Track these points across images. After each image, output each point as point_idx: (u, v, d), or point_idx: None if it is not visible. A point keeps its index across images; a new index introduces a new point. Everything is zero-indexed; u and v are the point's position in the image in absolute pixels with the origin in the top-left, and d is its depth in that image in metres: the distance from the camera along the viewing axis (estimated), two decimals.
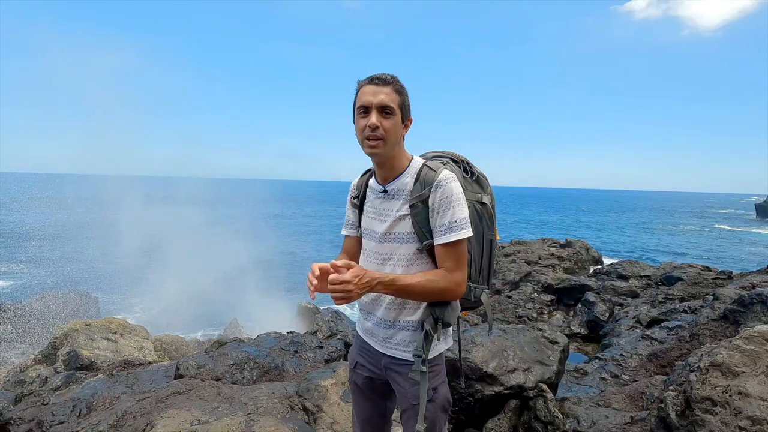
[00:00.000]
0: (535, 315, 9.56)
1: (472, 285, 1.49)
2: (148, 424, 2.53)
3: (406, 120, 1.37)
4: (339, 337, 6.61)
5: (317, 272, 1.26)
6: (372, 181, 1.49)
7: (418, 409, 1.38)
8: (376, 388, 1.58)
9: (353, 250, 1.59)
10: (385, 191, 1.42)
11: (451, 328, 1.55)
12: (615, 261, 12.41)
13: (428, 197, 1.33)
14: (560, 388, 4.27)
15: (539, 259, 18.22)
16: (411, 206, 1.35)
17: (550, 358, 3.96)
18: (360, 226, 1.54)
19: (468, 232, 1.31)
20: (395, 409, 1.61)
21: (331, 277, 1.19)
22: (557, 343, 4.16)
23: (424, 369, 1.34)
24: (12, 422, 3.66)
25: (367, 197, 1.50)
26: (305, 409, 2.72)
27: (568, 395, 4.31)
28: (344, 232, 1.61)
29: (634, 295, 9.23)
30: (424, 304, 1.40)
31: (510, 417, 3.55)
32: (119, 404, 3.31)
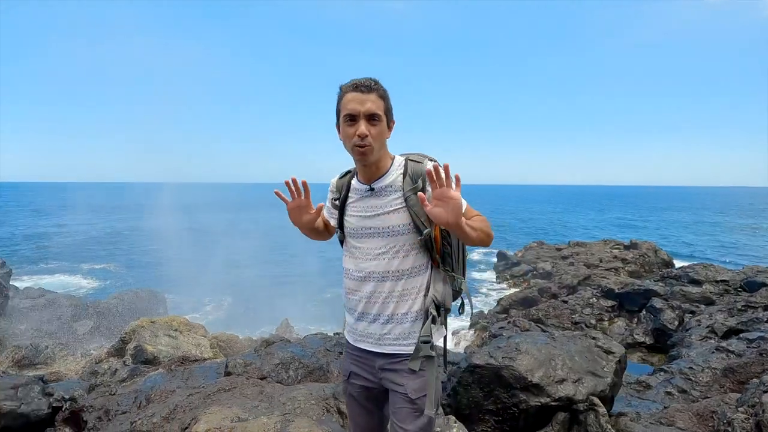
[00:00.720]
0: (593, 321, 8.97)
1: (454, 275, 1.53)
2: (193, 419, 2.67)
3: (390, 123, 1.43)
4: None
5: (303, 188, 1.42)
6: (355, 182, 1.51)
7: (417, 404, 1.39)
8: (373, 397, 1.56)
9: (329, 224, 1.65)
10: (372, 189, 1.45)
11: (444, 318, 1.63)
12: (687, 264, 11.32)
13: (422, 188, 1.39)
14: (617, 402, 3.95)
15: (600, 261, 17.14)
16: (406, 199, 1.40)
17: (604, 369, 3.69)
18: (341, 226, 1.55)
19: (464, 203, 1.36)
20: None
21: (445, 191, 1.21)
22: (612, 353, 3.86)
23: (432, 353, 1.38)
24: (85, 409, 4.03)
25: (349, 198, 1.51)
26: (340, 412, 2.74)
27: (626, 410, 3.98)
28: (324, 213, 1.64)
29: (709, 302, 8.37)
30: (423, 293, 1.44)
31: (558, 431, 3.35)
32: (173, 398, 3.53)
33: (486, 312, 13.87)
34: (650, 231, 44.05)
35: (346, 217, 1.51)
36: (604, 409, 3.31)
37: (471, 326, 12.98)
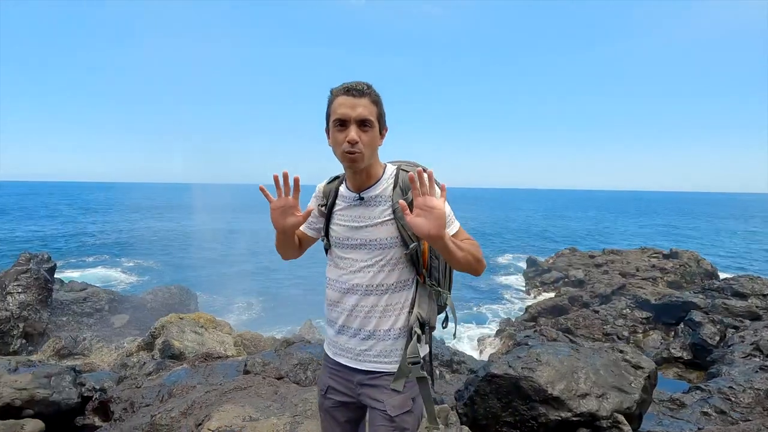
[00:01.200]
0: (626, 333, 8.57)
1: (440, 290, 1.48)
2: (206, 416, 2.72)
3: (382, 130, 1.37)
4: None
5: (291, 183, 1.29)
6: (343, 189, 1.45)
7: (396, 421, 1.35)
8: (350, 413, 1.51)
9: (303, 238, 1.57)
10: (361, 198, 1.39)
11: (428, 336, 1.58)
12: (731, 276, 10.63)
13: (412, 200, 1.34)
14: (647, 420, 3.74)
15: (637, 270, 16.37)
16: (394, 211, 1.35)
17: (632, 384, 3.49)
18: (326, 234, 1.49)
19: (457, 225, 1.34)
20: None
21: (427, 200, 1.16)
22: (641, 368, 3.66)
23: (424, 374, 1.35)
24: (112, 400, 4.19)
25: (336, 205, 1.45)
26: None
27: (656, 429, 3.76)
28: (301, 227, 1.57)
29: (755, 317, 7.82)
30: (407, 309, 1.39)
31: None
32: (192, 394, 3.62)
33: (513, 319, 13.53)
34: (693, 239, 41.77)
35: (332, 225, 1.46)
36: (630, 428, 3.14)
37: (497, 333, 12.69)
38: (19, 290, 8.06)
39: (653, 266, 16.42)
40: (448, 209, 1.31)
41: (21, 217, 51.81)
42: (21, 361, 4.04)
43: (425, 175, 1.15)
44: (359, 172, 1.35)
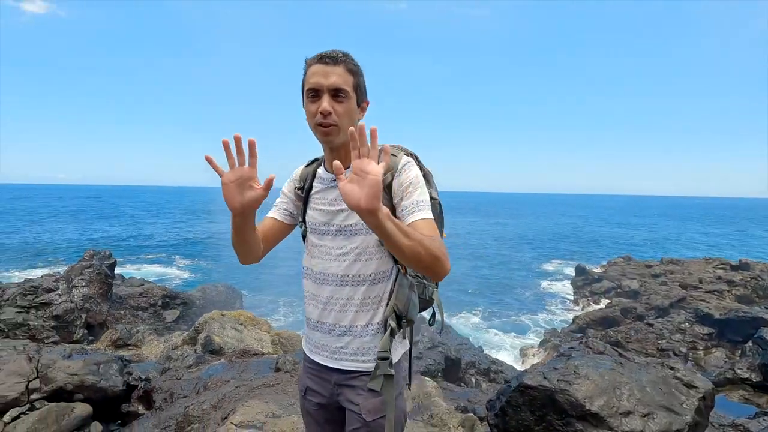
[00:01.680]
0: (683, 350, 7.89)
1: (425, 282, 1.40)
2: (232, 410, 2.78)
3: (362, 102, 1.26)
4: (440, 350, 6.41)
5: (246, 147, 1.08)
6: (321, 170, 1.36)
7: (371, 426, 1.24)
8: (331, 415, 1.41)
9: (269, 232, 1.40)
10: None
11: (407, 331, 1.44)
12: None
13: (391, 182, 1.23)
14: None
15: (699, 282, 15.11)
16: None
17: (683, 405, 3.18)
18: (303, 220, 1.39)
19: (429, 213, 1.18)
20: None
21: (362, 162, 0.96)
22: (695, 387, 3.32)
23: (391, 371, 1.22)
24: (155, 390, 4.42)
25: (314, 188, 1.36)
26: None
27: None
28: (271, 214, 1.44)
29: None
30: (385, 302, 1.28)
31: None
32: (224, 388, 3.73)
33: (559, 330, 12.91)
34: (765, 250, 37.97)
35: (308, 210, 1.36)
36: None
37: (540, 344, 12.17)
38: (83, 284, 8.75)
39: (719, 278, 15.09)
40: (412, 189, 1.18)
41: (95, 217, 56.74)
42: (75, 348, 4.35)
43: (367, 132, 0.96)
44: (336, 150, 1.26)
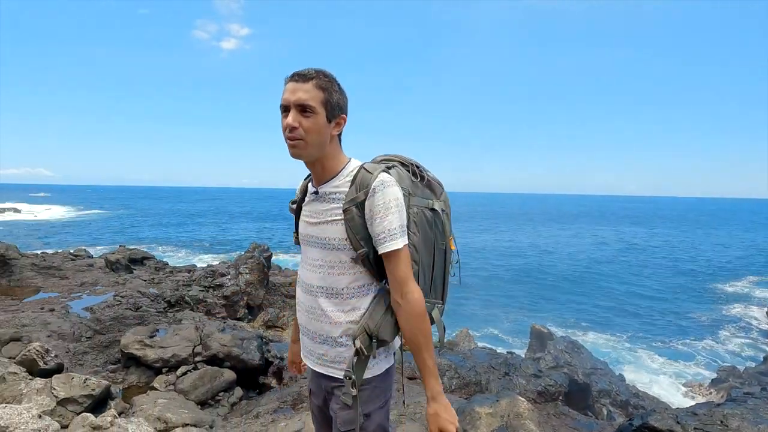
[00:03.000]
0: None
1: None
2: None
3: (336, 118, 1.25)
4: (566, 371, 5.80)
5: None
6: (309, 184, 1.39)
7: None
8: (329, 420, 1.40)
9: None
10: (317, 193, 1.32)
11: (395, 345, 1.37)
12: None
13: (363, 201, 1.22)
14: None
15: None
16: (345, 211, 1.24)
17: None
18: (296, 230, 1.44)
19: (399, 243, 1.21)
20: None
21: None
22: None
23: (354, 392, 1.23)
24: (285, 368, 5.06)
25: (305, 201, 1.40)
26: None
27: None
28: (294, 238, 1.51)
29: None
30: (358, 317, 1.27)
31: None
32: None
33: (741, 369, 10.31)
34: None
35: (300, 221, 1.42)
36: None
37: (713, 382, 9.91)
38: (246, 271, 10.50)
39: None
40: (382, 214, 1.20)
41: (250, 218, 67.43)
42: (229, 324, 5.29)
43: None
44: (313, 165, 1.29)
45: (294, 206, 1.46)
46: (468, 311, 16.44)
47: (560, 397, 5.27)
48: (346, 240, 1.25)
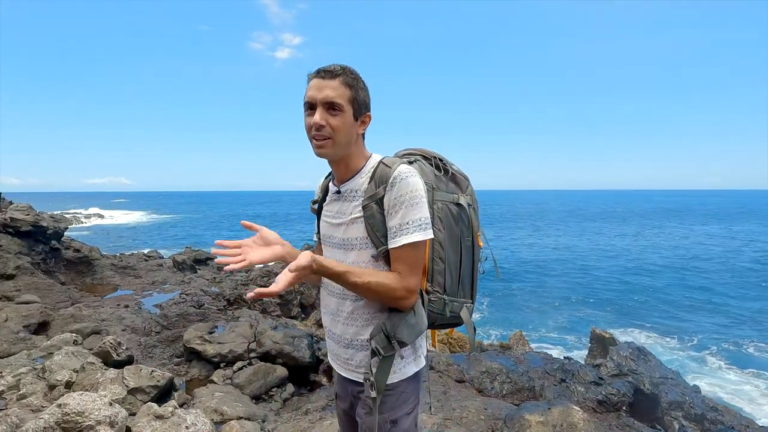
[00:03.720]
0: None
1: (446, 298, 1.28)
2: None
3: (362, 116, 1.21)
4: (630, 379, 5.39)
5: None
6: (330, 183, 1.34)
7: None
8: (354, 423, 1.35)
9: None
10: (339, 192, 1.27)
11: (423, 346, 1.30)
12: None
13: (383, 197, 1.16)
14: None
15: None
16: (364, 207, 1.19)
17: None
18: (318, 230, 1.39)
19: (421, 235, 1.14)
20: None
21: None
22: None
23: (374, 394, 1.17)
24: None
25: (326, 200, 1.35)
26: None
27: None
28: (315, 238, 1.47)
29: None
30: (378, 318, 1.21)
31: None
32: None
33: None
34: None
35: (321, 221, 1.37)
36: None
37: None
38: None
39: None
40: (399, 207, 1.14)
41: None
42: (282, 322, 5.48)
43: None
44: (337, 163, 1.25)
45: (315, 206, 1.42)
46: (522, 313, 15.85)
47: (624, 408, 4.91)
48: (367, 239, 1.20)
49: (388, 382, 1.20)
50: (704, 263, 27.54)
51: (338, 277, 1.12)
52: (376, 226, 1.18)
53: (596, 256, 30.78)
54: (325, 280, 1.32)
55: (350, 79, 1.16)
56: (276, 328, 5.13)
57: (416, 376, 1.28)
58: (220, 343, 4.83)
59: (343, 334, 1.29)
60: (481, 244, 1.39)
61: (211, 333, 5.03)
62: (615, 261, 28.55)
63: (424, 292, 1.25)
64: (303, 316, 9.84)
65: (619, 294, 19.51)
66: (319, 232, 1.40)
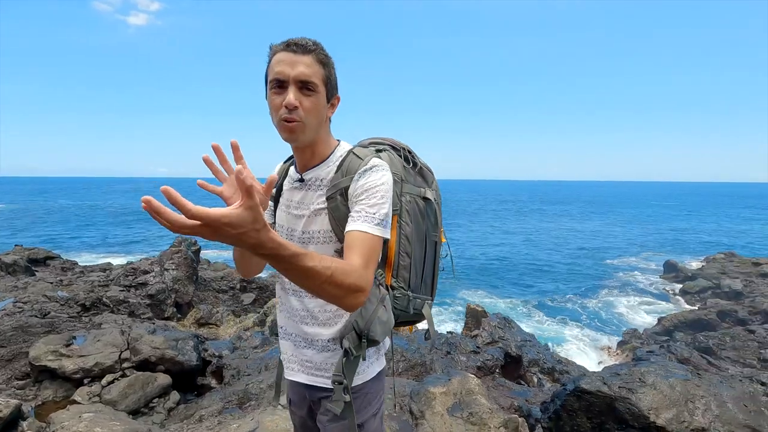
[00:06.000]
0: None
1: (411, 294, 1.22)
2: (282, 391, 2.95)
3: (332, 98, 1.11)
4: (500, 345, 6.21)
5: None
6: (292, 168, 1.23)
7: None
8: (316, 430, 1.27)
9: None
10: (302, 180, 1.17)
11: (385, 345, 1.27)
12: None
13: (347, 187, 1.08)
14: None
15: None
16: (328, 198, 1.11)
17: None
18: (274, 221, 1.25)
19: (379, 231, 1.01)
20: None
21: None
22: None
23: (348, 398, 1.09)
24: (225, 366, 4.83)
25: (284, 186, 1.24)
26: (411, 412, 2.68)
27: None
28: None
29: None
30: (346, 316, 1.13)
31: None
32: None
33: (641, 331, 11.82)
34: None
35: (278, 211, 1.24)
36: None
37: (618, 345, 11.25)
38: (173, 267, 9.76)
39: None
40: (365, 196, 1.03)
41: None
42: (159, 325, 4.90)
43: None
44: (303, 149, 1.12)
45: (273, 192, 1.26)
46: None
47: (497, 370, 5.64)
48: (330, 232, 1.11)
49: (352, 385, 1.12)
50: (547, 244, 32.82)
51: (292, 258, 0.78)
52: (341, 219, 1.08)
53: (477, 242, 34.23)
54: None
55: (323, 56, 1.05)
56: (154, 332, 4.55)
57: (380, 375, 1.23)
58: (82, 356, 4.09)
59: (302, 334, 1.19)
60: (444, 240, 1.37)
61: (68, 345, 4.22)
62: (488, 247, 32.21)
63: (389, 288, 1.19)
64: (179, 316, 8.92)
65: (489, 273, 22.12)
66: (275, 222, 1.25)
